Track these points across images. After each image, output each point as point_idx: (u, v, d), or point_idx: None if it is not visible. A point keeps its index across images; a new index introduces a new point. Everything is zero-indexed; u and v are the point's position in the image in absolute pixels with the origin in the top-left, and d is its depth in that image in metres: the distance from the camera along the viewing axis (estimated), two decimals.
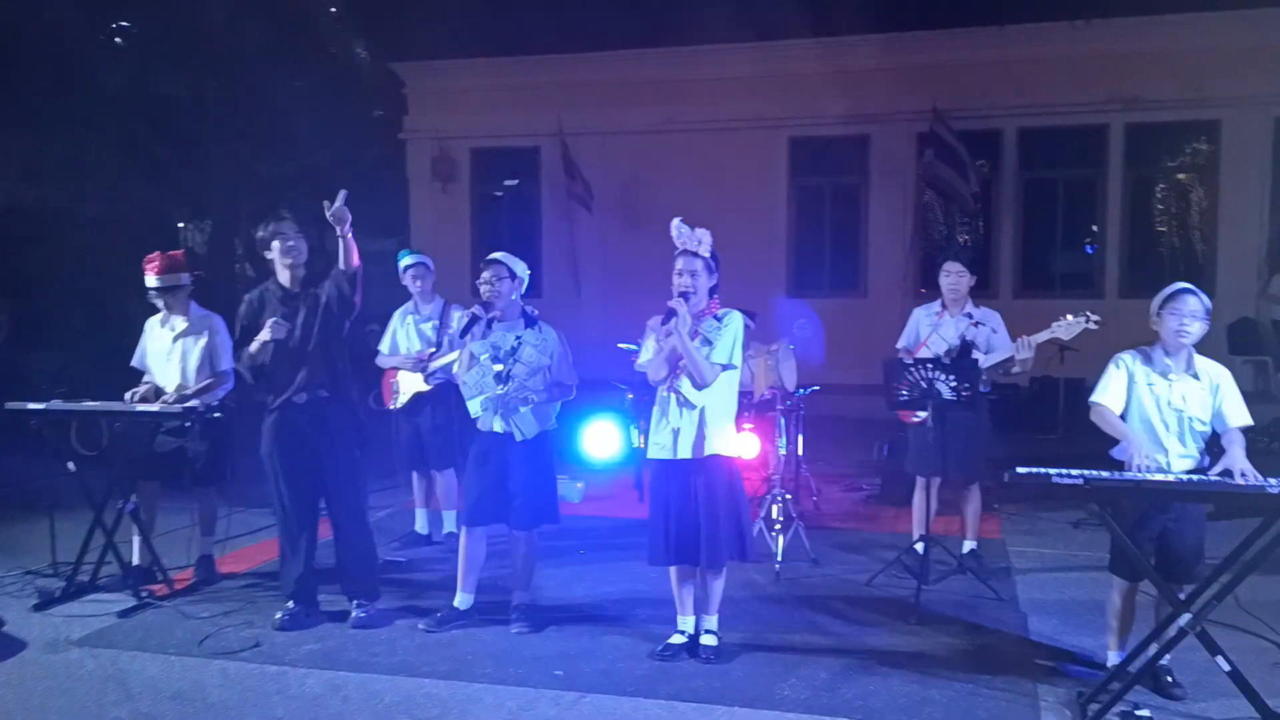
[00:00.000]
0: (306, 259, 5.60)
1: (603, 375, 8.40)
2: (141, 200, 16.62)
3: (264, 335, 5.39)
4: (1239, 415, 4.51)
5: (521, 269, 5.57)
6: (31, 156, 15.12)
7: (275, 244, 5.51)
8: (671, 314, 4.84)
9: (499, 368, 5.35)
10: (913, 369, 5.97)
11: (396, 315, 7.20)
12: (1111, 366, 4.66)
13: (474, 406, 5.44)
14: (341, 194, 5.21)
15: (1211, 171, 14.52)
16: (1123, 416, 4.61)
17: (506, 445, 5.41)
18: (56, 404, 6.26)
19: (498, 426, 5.39)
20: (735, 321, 4.99)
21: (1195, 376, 4.52)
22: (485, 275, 5.45)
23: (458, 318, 6.97)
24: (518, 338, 5.42)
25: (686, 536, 4.95)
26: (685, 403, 4.93)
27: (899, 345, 6.63)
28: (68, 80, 14.96)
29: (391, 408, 7.18)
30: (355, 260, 5.41)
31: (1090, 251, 15.21)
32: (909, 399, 6.03)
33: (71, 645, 5.32)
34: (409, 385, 7.04)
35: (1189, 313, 4.44)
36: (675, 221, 5.01)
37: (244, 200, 17.20)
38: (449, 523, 7.26)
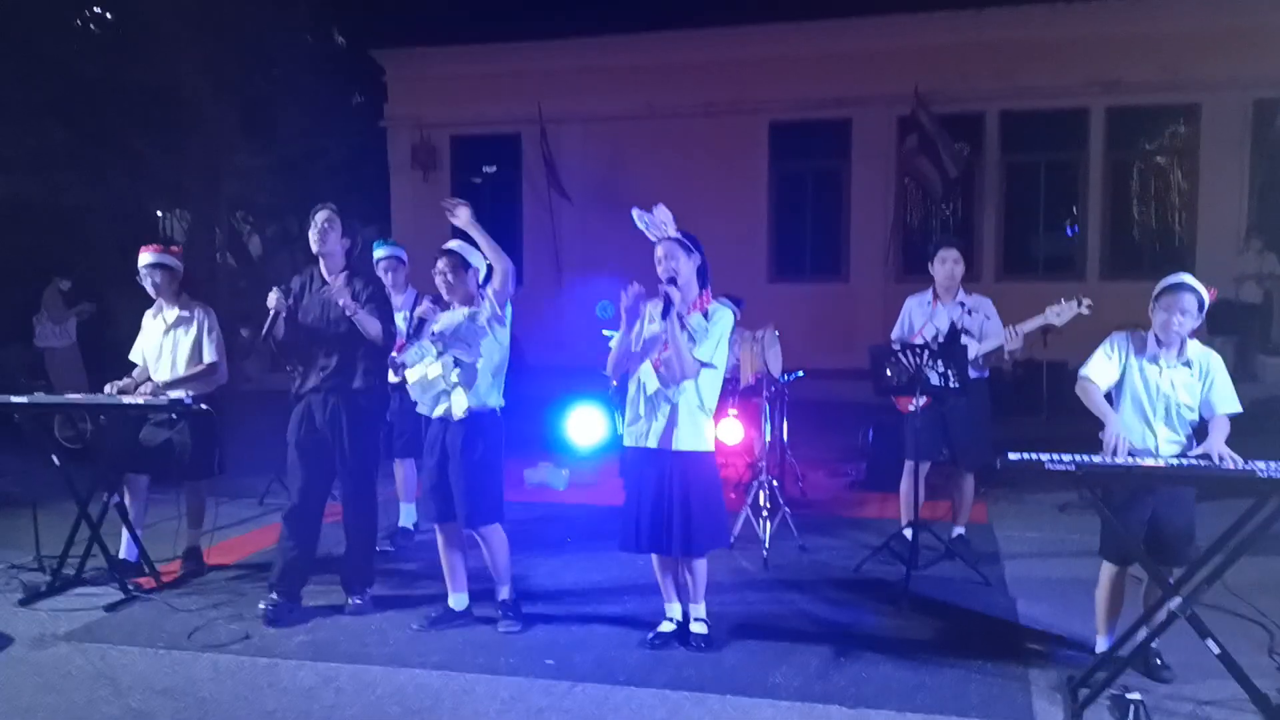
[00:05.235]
0: (335, 249, 5.56)
1: (585, 363, 8.38)
2: (119, 191, 16.47)
3: (268, 303, 5.44)
4: (1228, 403, 4.53)
5: (477, 259, 5.31)
6: (6, 147, 14.95)
7: (310, 230, 5.54)
8: (669, 304, 4.76)
9: (437, 347, 5.24)
10: (900, 355, 5.97)
11: None
12: (1105, 345, 4.68)
13: (412, 374, 5.30)
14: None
15: (1191, 154, 14.61)
16: (1111, 396, 4.64)
17: (446, 431, 5.28)
18: (39, 397, 6.20)
19: (438, 410, 5.27)
20: (724, 321, 4.92)
21: (1187, 364, 4.54)
22: (439, 265, 5.30)
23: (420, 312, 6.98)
24: (468, 315, 5.27)
25: (660, 525, 4.91)
26: (658, 394, 4.89)
27: (893, 336, 6.61)
28: (43, 70, 14.80)
29: None
30: (373, 333, 5.49)
31: (1071, 234, 15.28)
32: (896, 385, 6.04)
33: (59, 640, 5.28)
34: None
35: (1182, 309, 4.43)
36: (634, 213, 4.95)
37: (222, 189, 17.06)
38: (405, 516, 7.23)
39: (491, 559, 5.40)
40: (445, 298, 5.35)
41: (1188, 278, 4.50)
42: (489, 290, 5.22)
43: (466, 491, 5.21)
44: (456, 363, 5.20)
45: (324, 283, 5.55)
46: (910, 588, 5.73)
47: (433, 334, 5.27)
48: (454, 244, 5.34)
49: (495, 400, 5.30)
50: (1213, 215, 14.29)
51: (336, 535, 5.82)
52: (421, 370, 5.27)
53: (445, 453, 5.28)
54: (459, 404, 5.19)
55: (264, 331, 5.48)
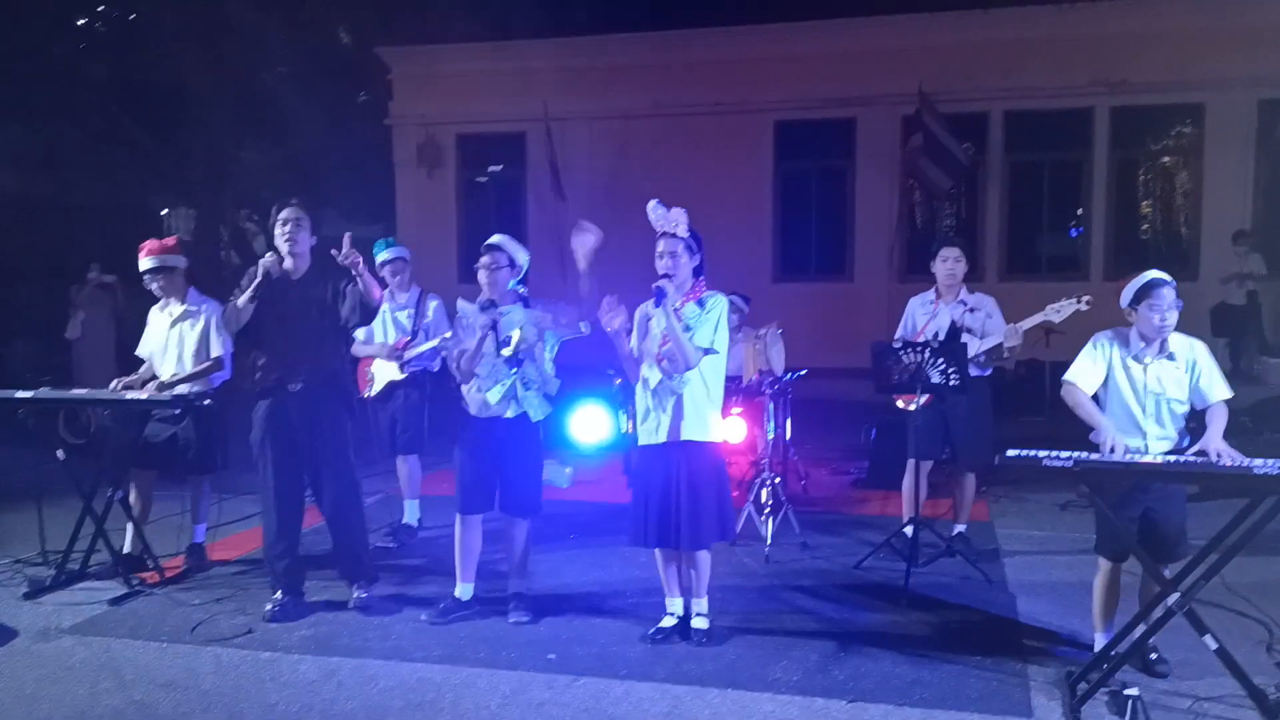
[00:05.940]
0: (305, 249, 5.49)
1: (590, 361, 8.40)
2: (124, 187, 16.52)
3: (263, 263, 5.33)
4: (1218, 390, 4.54)
5: (522, 256, 5.51)
6: (12, 144, 15.01)
7: (276, 229, 5.47)
8: (661, 295, 4.86)
9: (507, 352, 5.29)
10: (900, 353, 5.99)
11: None
12: (1089, 348, 4.67)
13: (493, 395, 5.32)
14: (347, 237, 5.19)
15: (1196, 154, 14.57)
16: (1098, 397, 4.64)
17: (507, 430, 5.34)
18: (45, 392, 6.24)
19: (510, 412, 5.33)
20: (718, 306, 4.98)
21: (1171, 357, 4.54)
22: (484, 260, 5.37)
23: (434, 307, 7.01)
24: (537, 333, 5.39)
25: (668, 519, 4.96)
26: (662, 388, 4.94)
27: (896, 336, 6.61)
28: (49, 67, 14.85)
29: (366, 396, 7.17)
30: (375, 295, 5.38)
31: (1076, 234, 15.26)
32: (897, 383, 6.06)
33: (63, 633, 5.31)
34: (383, 374, 7.05)
35: (1168, 305, 4.44)
36: (651, 204, 5.02)
37: (228, 187, 17.12)
38: (410, 513, 7.22)
39: (518, 549, 5.53)
40: (488, 294, 5.36)
41: (1155, 273, 4.51)
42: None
43: (524, 483, 5.45)
44: (522, 367, 5.36)
45: (285, 276, 5.43)
46: (911, 585, 5.74)
47: (506, 341, 5.32)
48: (499, 239, 5.45)
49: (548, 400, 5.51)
50: (1217, 215, 14.24)
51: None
52: (494, 378, 5.34)
53: (498, 450, 5.36)
54: (526, 405, 5.37)
55: (246, 293, 5.29)
